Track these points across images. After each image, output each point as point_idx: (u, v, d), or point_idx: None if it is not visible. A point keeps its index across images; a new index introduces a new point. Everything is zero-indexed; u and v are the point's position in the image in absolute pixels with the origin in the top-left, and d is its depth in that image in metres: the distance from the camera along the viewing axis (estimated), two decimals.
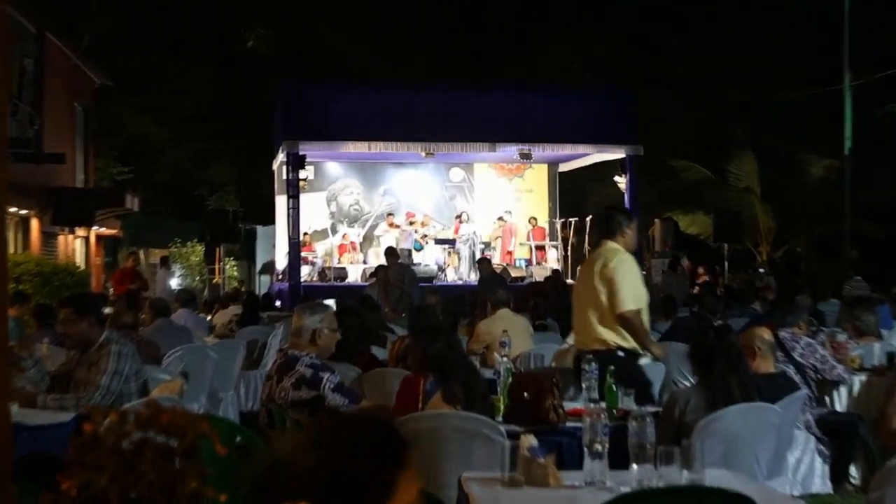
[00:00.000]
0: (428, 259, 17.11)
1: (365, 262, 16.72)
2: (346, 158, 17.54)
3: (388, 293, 10.58)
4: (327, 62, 23.03)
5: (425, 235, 17.23)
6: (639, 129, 15.05)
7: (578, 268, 15.92)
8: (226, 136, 23.32)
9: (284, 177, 15.11)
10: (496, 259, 16.93)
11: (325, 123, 14.21)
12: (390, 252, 12.05)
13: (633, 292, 4.63)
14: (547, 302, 9.50)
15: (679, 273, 14.85)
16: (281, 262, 16.92)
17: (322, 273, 16.33)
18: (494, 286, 8.66)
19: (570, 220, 17.40)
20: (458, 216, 17.41)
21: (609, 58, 21.83)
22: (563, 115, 14.87)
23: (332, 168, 18.22)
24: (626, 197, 15.30)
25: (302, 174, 14.72)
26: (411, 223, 17.22)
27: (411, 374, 4.01)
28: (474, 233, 16.82)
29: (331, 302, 6.68)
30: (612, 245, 4.77)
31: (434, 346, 3.89)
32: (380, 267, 12.17)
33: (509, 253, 17.51)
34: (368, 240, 17.67)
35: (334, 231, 17.84)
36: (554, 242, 17.75)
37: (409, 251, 16.76)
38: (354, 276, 16.22)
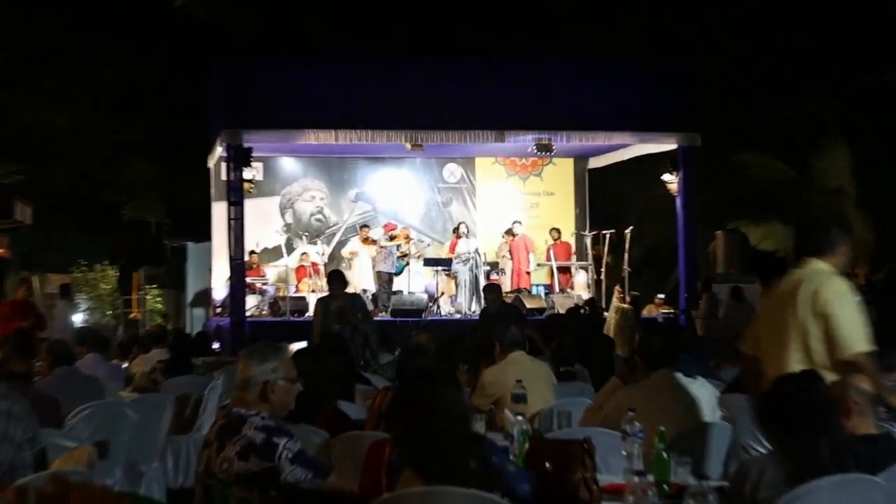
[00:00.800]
0: (415, 285, 17.28)
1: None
2: (305, 152, 17.72)
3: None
4: (282, 30, 23.06)
5: (406, 255, 17.34)
6: (695, 113, 15.27)
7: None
8: (147, 126, 23.32)
9: (224, 177, 15.23)
10: (506, 285, 17.05)
11: (278, 107, 14.47)
12: (336, 278, 12.03)
13: (862, 328, 4.65)
14: (575, 342, 9.39)
15: (746, 303, 14.98)
16: (219, 291, 17.08)
17: (274, 305, 16.41)
18: (504, 321, 8.71)
19: (605, 232, 17.46)
20: (455, 228, 17.51)
21: (653, 26, 22.02)
22: (593, 95, 15.12)
23: (288, 166, 18.39)
24: (679, 201, 15.48)
25: (247, 174, 14.86)
26: (392, 238, 17.37)
27: (383, 438, 4.00)
28: (476, 250, 16.94)
29: (301, 345, 6.84)
30: (820, 266, 4.79)
31: (409, 397, 3.84)
32: (321, 299, 12.22)
33: (526, 274, 17.63)
34: (336, 260, 17.82)
35: (290, 249, 17.99)
36: (583, 262, 17.85)
37: (389, 275, 16.96)
38: None
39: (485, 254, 17.43)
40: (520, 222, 17.95)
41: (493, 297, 12.33)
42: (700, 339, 12.80)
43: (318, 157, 18.13)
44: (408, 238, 17.63)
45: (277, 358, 4.17)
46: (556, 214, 18.72)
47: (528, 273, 17.68)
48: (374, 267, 17.16)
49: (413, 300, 16.27)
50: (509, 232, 17.84)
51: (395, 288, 17.02)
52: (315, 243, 17.97)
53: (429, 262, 17.42)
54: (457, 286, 16.78)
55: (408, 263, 17.37)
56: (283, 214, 18.38)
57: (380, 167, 18.51)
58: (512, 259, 17.71)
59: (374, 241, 17.38)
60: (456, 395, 3.87)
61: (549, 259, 17.73)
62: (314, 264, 17.44)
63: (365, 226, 17.75)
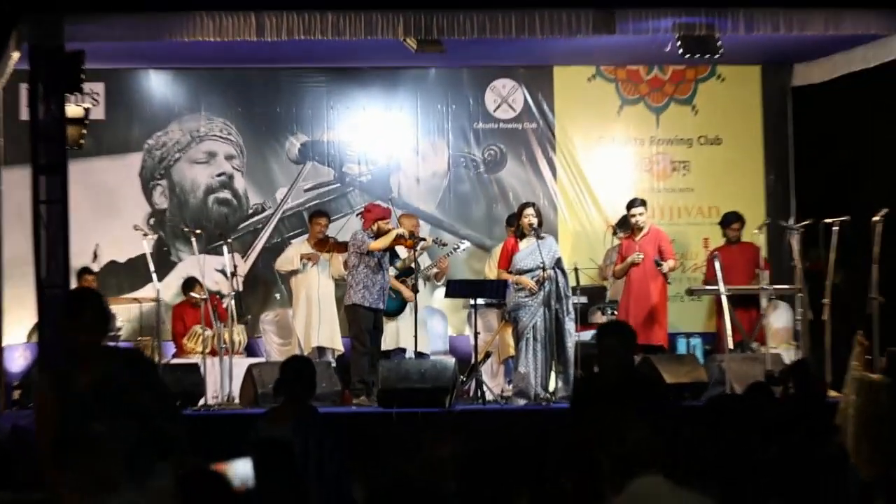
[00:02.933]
0: (430, 338, 17.80)
1: (250, 354, 17.85)
2: (194, 61, 18.46)
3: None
4: None
5: (410, 274, 17.35)
6: None
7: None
8: None
9: (26, 116, 15.65)
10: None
11: None
12: (89, 309, 9.53)
13: None
14: (771, 449, 8.98)
15: None
16: (19, 355, 17.66)
17: None
18: (624, 408, 9.08)
19: (829, 222, 16.58)
20: (515, 216, 17.09)
21: None
22: None
23: (159, 89, 19.21)
24: None
25: (72, 107, 15.45)
26: (379, 235, 16.83)
27: None
28: (558, 263, 16.48)
29: (245, 469, 7.32)
30: None
31: None
32: (54, 373, 12.15)
33: (661, 313, 17.28)
34: (263, 286, 18.89)
35: (165, 264, 18.63)
36: (786, 286, 17.74)
37: (375, 316, 16.92)
38: (226, 390, 16.67)
39: (575, 268, 17.19)
40: (644, 203, 17.57)
41: (615, 359, 10.72)
42: None
43: (221, 72, 18.85)
44: (413, 238, 16.95)
45: (138, 489, 5.42)
46: (727, 186, 19.26)
47: (658, 316, 17.17)
48: (345, 299, 16.83)
49: (426, 370, 15.79)
50: (624, 224, 17.60)
51: (386, 345, 16.94)
52: (218, 252, 17.42)
53: (456, 290, 17.29)
54: (517, 339, 16.23)
55: (414, 292, 16.81)
56: (149, 191, 18.79)
57: (352, 90, 19.09)
58: (631, 281, 16.93)
59: (341, 246, 17.03)
60: None
61: (711, 280, 16.96)
62: (214, 298, 17.29)
63: (320, 213, 17.82)
